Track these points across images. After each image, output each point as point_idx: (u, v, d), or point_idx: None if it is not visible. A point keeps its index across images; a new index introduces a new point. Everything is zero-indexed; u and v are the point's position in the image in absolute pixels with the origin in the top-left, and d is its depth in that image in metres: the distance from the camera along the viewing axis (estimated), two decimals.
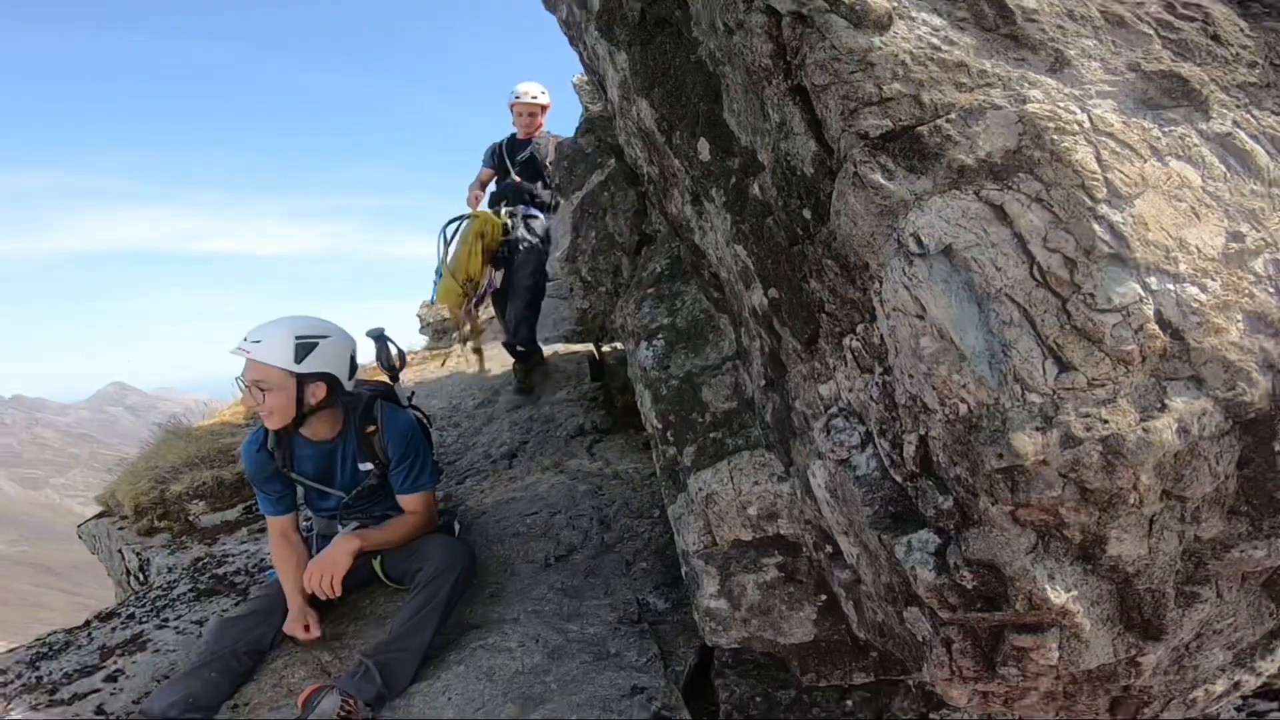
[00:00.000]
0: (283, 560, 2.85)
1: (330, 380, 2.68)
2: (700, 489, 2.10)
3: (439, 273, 5.04)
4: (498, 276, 5.14)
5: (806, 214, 1.53)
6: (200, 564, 4.16)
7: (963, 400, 1.27)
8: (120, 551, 5.19)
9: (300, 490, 2.99)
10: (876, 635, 1.75)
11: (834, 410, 1.58)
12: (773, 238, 1.63)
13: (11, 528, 48.89)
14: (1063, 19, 1.48)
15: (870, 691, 2.40)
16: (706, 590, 2.09)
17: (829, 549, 1.87)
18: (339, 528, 3.00)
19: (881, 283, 1.41)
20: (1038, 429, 1.24)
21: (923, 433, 1.33)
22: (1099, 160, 1.33)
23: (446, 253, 5.02)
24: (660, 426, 2.35)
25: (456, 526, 3.17)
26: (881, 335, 1.42)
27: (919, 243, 1.34)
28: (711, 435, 2.18)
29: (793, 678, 2.41)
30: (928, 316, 1.32)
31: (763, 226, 1.65)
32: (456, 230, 5.07)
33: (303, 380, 2.63)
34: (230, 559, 4.12)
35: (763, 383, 1.96)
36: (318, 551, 2.95)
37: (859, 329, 1.48)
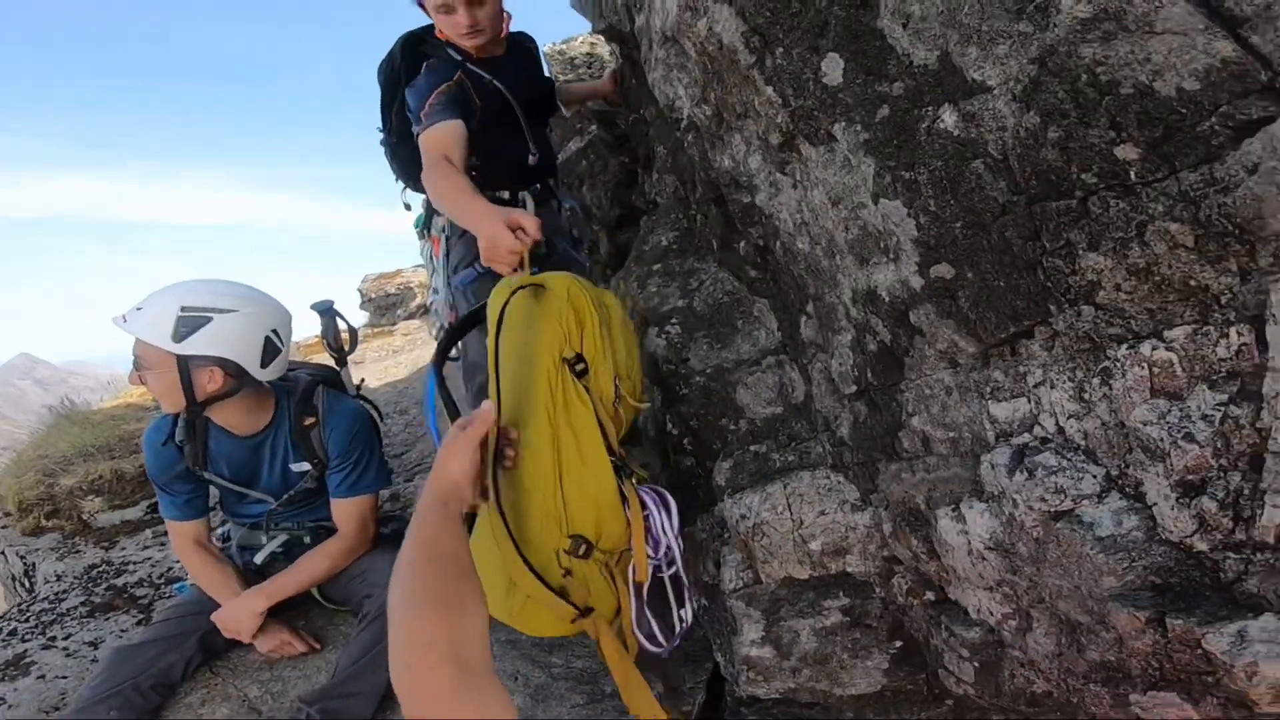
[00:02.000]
0: (211, 576, 2.34)
1: (228, 365, 2.14)
2: (743, 516, 1.64)
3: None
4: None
5: (1129, 153, 1.00)
6: (95, 572, 3.57)
7: None
8: (3, 553, 4.46)
9: (216, 492, 2.44)
10: (1018, 702, 1.34)
11: (1027, 440, 1.13)
12: (982, 190, 1.12)
13: None
14: None
15: None
16: (747, 637, 1.65)
17: (929, 596, 1.46)
18: (263, 540, 2.49)
19: None
20: None
21: None
22: None
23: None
24: (676, 432, 1.88)
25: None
26: (1246, 345, 0.95)
27: None
28: (752, 448, 1.72)
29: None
30: None
31: (959, 174, 1.13)
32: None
33: (188, 363, 2.09)
34: (131, 567, 3.52)
35: (853, 389, 1.48)
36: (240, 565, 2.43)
37: (1173, 333, 1.00)
